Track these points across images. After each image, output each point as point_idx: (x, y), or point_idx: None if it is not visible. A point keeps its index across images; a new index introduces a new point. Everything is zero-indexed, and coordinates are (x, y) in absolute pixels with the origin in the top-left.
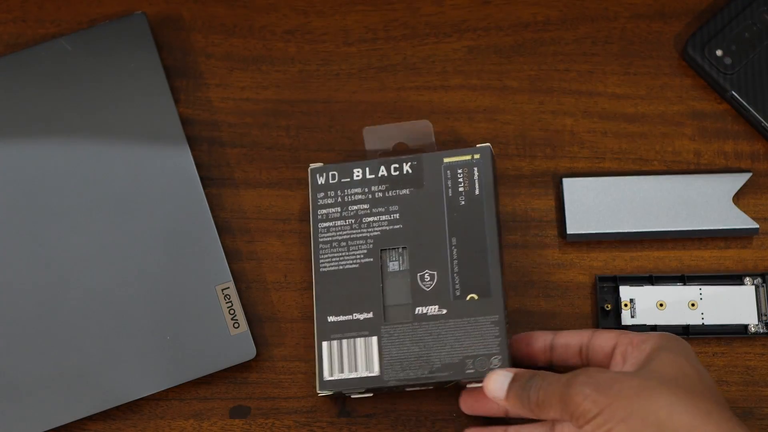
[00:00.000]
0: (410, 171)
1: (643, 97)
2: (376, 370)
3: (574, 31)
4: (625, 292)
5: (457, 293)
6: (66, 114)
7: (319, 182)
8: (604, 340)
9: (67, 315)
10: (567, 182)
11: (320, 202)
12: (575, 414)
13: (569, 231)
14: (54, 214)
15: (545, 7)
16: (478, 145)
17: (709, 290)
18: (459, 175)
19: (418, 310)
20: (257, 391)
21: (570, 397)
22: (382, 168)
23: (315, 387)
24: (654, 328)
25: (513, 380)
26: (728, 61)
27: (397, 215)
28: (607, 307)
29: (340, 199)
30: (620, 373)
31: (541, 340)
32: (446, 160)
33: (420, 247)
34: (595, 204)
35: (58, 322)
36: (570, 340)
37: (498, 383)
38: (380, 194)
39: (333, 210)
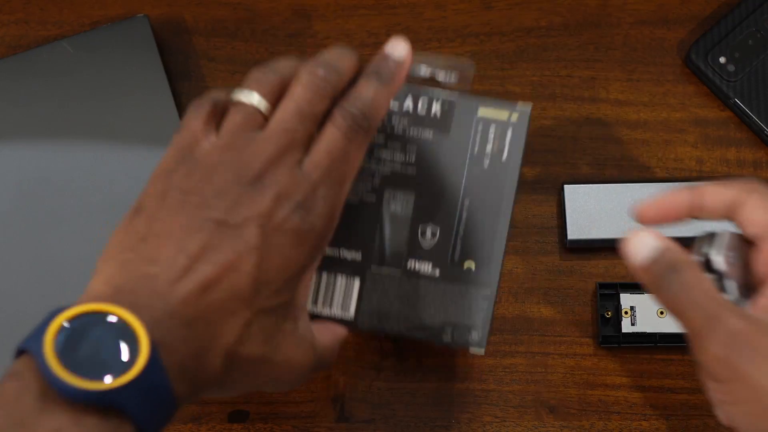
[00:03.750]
0: (439, 112)
1: (645, 103)
2: (351, 314)
3: (577, 37)
4: (626, 299)
5: (455, 258)
6: (67, 116)
7: None
8: (753, 213)
9: None
10: (568, 189)
11: None
12: (706, 363)
13: (570, 237)
14: (54, 217)
15: (548, 12)
16: (519, 103)
17: None
18: (490, 133)
19: (410, 264)
20: (256, 396)
21: (712, 352)
22: (409, 99)
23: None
24: (654, 336)
25: (661, 256)
26: (731, 68)
27: (413, 157)
28: (608, 314)
29: None
30: None
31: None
32: (481, 112)
33: (429, 198)
34: (597, 211)
35: None
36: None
37: (640, 247)
38: (400, 129)
39: None
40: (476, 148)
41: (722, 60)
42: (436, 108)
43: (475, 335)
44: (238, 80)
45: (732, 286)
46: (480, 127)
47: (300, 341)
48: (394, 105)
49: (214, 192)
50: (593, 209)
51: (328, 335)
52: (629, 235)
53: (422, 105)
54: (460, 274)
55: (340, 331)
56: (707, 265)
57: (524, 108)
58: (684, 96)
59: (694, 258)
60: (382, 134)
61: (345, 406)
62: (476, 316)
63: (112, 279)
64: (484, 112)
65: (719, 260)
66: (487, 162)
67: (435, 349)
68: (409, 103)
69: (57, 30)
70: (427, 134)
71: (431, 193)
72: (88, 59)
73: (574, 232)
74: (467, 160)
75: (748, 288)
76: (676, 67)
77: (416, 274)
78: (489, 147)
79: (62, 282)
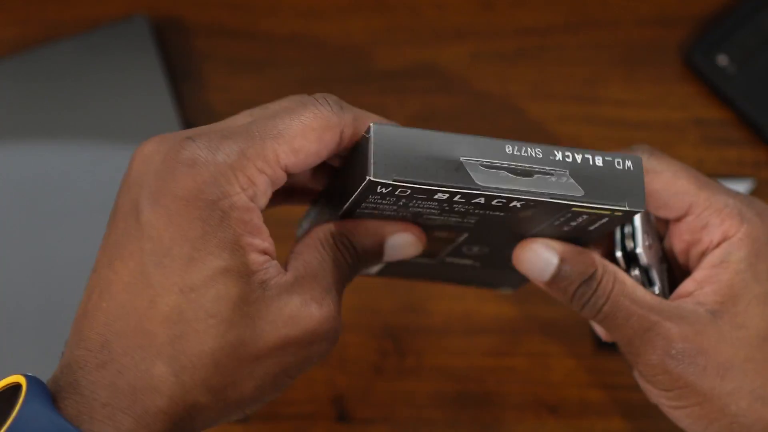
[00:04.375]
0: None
1: (645, 103)
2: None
3: (577, 37)
4: None
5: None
6: (67, 116)
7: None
8: (674, 201)
9: (67, 316)
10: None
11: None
12: (645, 373)
13: None
14: (53, 217)
15: (548, 12)
16: (624, 204)
17: None
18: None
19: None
20: None
21: (651, 363)
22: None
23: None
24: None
25: (564, 269)
26: (732, 68)
27: (471, 221)
28: None
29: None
30: (739, 340)
31: None
32: (575, 209)
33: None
34: None
35: (58, 323)
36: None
37: (536, 264)
38: (459, 208)
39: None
40: None
41: (722, 60)
42: (514, 203)
43: None
44: (237, 81)
45: (655, 275)
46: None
47: (286, 300)
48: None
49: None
50: None
51: (369, 238)
52: (518, 249)
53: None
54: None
55: (387, 229)
56: (630, 259)
57: (632, 208)
58: (684, 96)
59: (618, 254)
60: (435, 210)
61: (345, 406)
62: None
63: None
64: (579, 208)
65: (642, 253)
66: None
67: (435, 349)
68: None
69: (57, 30)
70: (496, 213)
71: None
72: (87, 59)
73: None
74: None
75: (661, 263)
76: (676, 67)
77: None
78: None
79: (62, 282)
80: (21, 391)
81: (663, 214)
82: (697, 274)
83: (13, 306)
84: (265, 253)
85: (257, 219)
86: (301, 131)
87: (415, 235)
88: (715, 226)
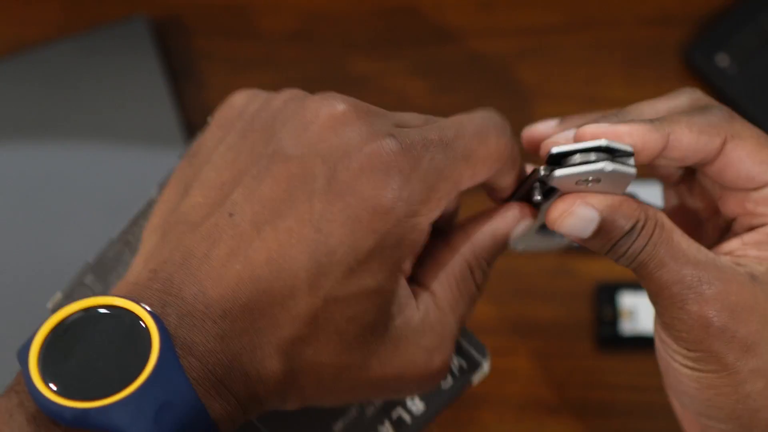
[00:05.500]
0: None
1: None
2: None
3: (577, 37)
4: (626, 300)
5: None
6: (67, 116)
7: None
8: (757, 171)
9: None
10: None
11: None
12: (670, 326)
13: None
14: (53, 217)
15: (548, 12)
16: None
17: None
18: None
19: None
20: None
21: (669, 310)
22: None
23: None
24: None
25: (601, 226)
26: (732, 68)
27: None
28: (608, 315)
29: None
30: None
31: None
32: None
33: None
34: None
35: None
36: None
37: (578, 224)
38: None
39: None
40: None
41: (722, 60)
42: None
43: None
44: (237, 81)
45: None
46: None
47: (412, 340)
48: None
49: (285, 128)
50: None
51: (498, 246)
52: (556, 211)
53: None
54: None
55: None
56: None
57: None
58: None
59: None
60: None
61: None
62: None
63: (150, 258)
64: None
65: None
66: None
67: None
68: None
69: (57, 30)
70: None
71: None
72: (87, 59)
73: None
74: None
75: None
76: (676, 67)
77: None
78: None
79: (62, 282)
80: (149, 335)
81: (742, 184)
82: (747, 237)
83: (14, 306)
84: (405, 275)
85: (424, 242)
86: (486, 158)
87: (526, 213)
88: None
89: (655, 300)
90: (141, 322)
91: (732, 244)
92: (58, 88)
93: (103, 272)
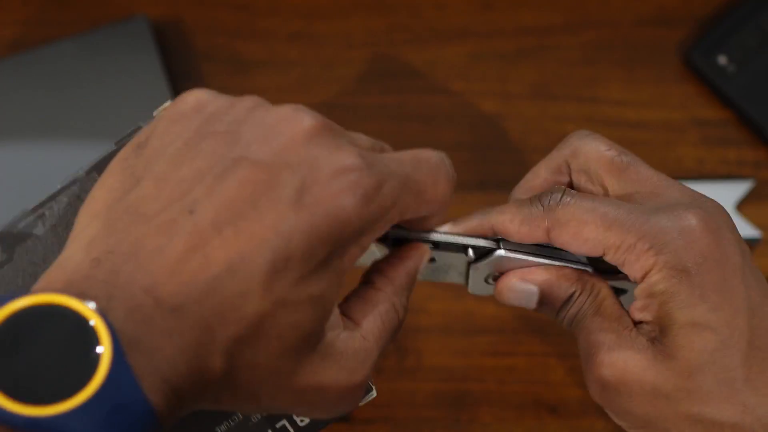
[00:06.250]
0: None
1: (645, 103)
2: None
3: (577, 37)
4: (626, 300)
5: None
6: (67, 116)
7: None
8: (585, 249)
9: None
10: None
11: None
12: (590, 390)
13: None
14: None
15: (548, 12)
16: None
17: None
18: None
19: None
20: None
21: (587, 375)
22: None
23: None
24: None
25: (542, 297)
26: (732, 68)
27: None
28: None
29: None
30: None
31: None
32: None
33: None
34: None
35: None
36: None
37: (520, 296)
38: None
39: None
40: None
41: (722, 60)
42: None
43: None
44: (238, 80)
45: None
46: None
47: (339, 358)
48: None
49: (248, 127)
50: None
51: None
52: (500, 287)
53: None
54: None
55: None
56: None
57: None
58: (684, 96)
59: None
60: None
61: None
62: None
63: (92, 246)
64: None
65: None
66: None
67: (435, 349)
68: None
69: (57, 30)
70: None
71: None
72: (88, 59)
73: None
74: None
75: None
76: (676, 67)
77: None
78: None
79: None
80: (97, 336)
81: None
82: (637, 303)
83: None
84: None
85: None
86: (433, 199)
87: (427, 251)
88: (632, 263)
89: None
90: (89, 322)
91: (633, 314)
92: (58, 88)
93: (11, 242)
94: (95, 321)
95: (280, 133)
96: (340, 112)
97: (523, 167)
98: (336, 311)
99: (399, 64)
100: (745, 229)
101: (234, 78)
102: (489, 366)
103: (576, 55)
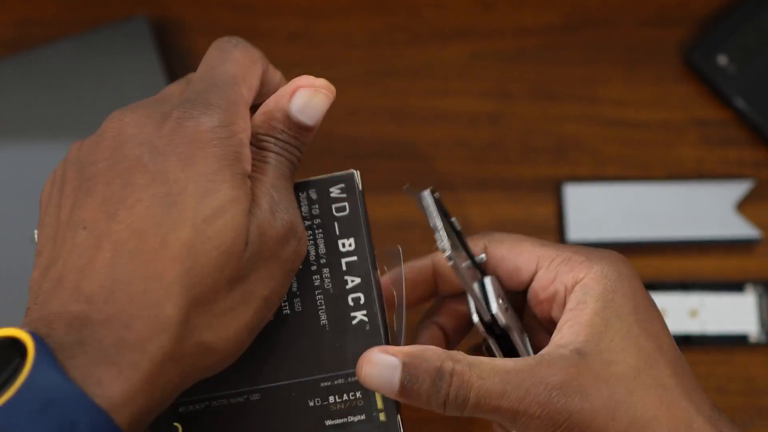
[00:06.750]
0: None
1: (645, 103)
2: None
3: (577, 37)
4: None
5: None
6: (67, 117)
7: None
8: (521, 260)
9: None
10: (568, 188)
11: None
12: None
13: (570, 237)
14: None
15: (548, 12)
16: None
17: (710, 299)
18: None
19: None
20: None
21: (533, 413)
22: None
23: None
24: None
25: (406, 372)
26: (732, 68)
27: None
28: None
29: None
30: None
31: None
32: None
33: None
34: (597, 211)
35: None
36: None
37: (380, 374)
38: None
39: None
40: None
41: (722, 60)
42: None
43: None
44: None
45: (516, 336)
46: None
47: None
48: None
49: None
50: (593, 209)
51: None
52: (360, 366)
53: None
54: None
55: None
56: (488, 326)
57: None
58: (684, 96)
59: (475, 319)
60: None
61: None
62: None
63: (34, 284)
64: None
65: (499, 314)
66: None
67: None
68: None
69: (57, 30)
70: None
71: None
72: (87, 59)
73: (574, 232)
74: None
75: (522, 333)
76: (676, 67)
77: None
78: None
79: None
80: (26, 350)
81: (515, 278)
82: (560, 321)
83: (13, 306)
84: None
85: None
86: (246, 70)
87: (317, 86)
88: (565, 272)
89: (515, 426)
90: (20, 340)
91: (556, 338)
92: (58, 88)
93: None
94: (26, 339)
95: (101, 137)
96: (340, 113)
97: (523, 167)
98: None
99: (399, 64)
100: (745, 229)
101: None
102: None
103: (576, 55)
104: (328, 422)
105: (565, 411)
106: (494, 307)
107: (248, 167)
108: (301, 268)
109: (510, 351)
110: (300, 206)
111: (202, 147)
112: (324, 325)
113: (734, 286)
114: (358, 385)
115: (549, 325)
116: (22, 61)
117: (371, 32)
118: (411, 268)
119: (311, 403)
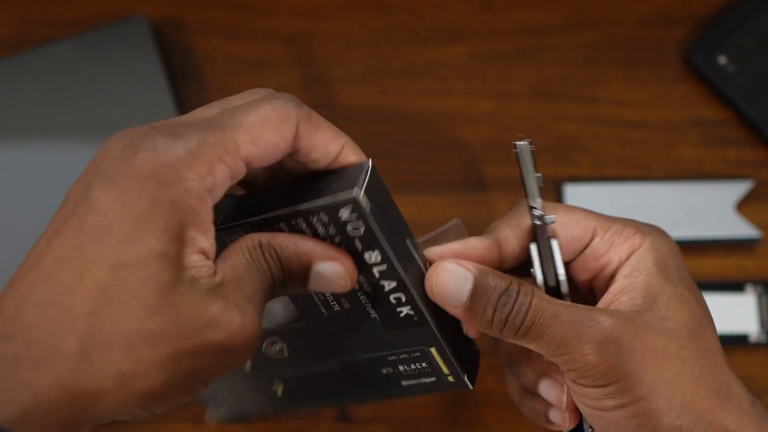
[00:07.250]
0: None
1: (645, 103)
2: None
3: (577, 37)
4: None
5: None
6: (67, 116)
7: None
8: (577, 229)
9: None
10: (569, 188)
11: None
12: (582, 371)
13: None
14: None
15: (548, 12)
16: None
17: (710, 298)
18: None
19: None
20: None
21: (576, 349)
22: None
23: None
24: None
25: (477, 284)
26: (732, 68)
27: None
28: None
29: None
30: (657, 333)
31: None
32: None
33: None
34: (597, 210)
35: None
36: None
37: (454, 280)
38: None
39: None
40: None
41: (722, 60)
42: None
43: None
44: (238, 81)
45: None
46: None
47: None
48: None
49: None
50: (593, 209)
51: (296, 258)
52: (432, 273)
53: None
54: None
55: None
56: (552, 292)
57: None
58: (684, 96)
59: (540, 282)
60: None
61: (345, 406)
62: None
63: None
64: None
65: (564, 281)
66: None
67: None
68: None
69: (57, 30)
70: None
71: None
72: (87, 59)
73: None
74: None
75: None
76: (676, 67)
77: None
78: None
79: None
80: None
81: (570, 246)
82: (613, 288)
83: None
84: (203, 253)
85: (206, 213)
86: (260, 122)
87: (346, 267)
88: (620, 244)
89: (558, 353)
90: None
91: (606, 300)
92: (58, 88)
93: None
94: None
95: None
96: (340, 112)
97: None
98: (195, 257)
99: (399, 64)
100: (745, 229)
101: (234, 78)
102: (489, 366)
103: (576, 55)
104: (404, 383)
105: (615, 359)
106: (562, 272)
107: (188, 221)
108: None
109: None
110: (317, 230)
111: (141, 184)
112: (375, 318)
113: (734, 286)
114: (423, 357)
115: (585, 294)
116: (22, 61)
117: (371, 32)
118: (478, 245)
119: (384, 371)
